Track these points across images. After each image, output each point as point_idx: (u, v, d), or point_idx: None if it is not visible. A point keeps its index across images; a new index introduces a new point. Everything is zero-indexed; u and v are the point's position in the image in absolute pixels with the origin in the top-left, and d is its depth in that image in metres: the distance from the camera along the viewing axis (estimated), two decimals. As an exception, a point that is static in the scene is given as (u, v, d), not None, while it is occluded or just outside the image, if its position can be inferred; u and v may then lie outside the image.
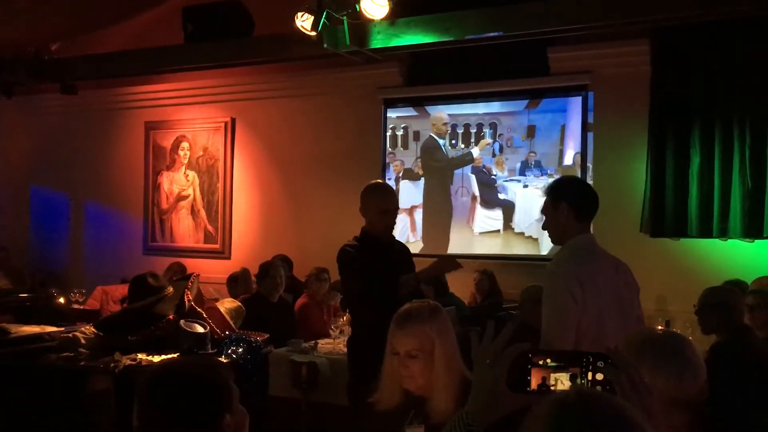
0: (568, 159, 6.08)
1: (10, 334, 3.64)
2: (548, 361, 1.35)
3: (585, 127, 6.01)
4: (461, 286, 5.67)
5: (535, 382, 1.34)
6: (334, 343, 5.08)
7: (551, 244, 6.04)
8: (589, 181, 5.96)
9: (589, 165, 5.99)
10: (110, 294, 6.87)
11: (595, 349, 1.47)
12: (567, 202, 2.73)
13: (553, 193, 2.83)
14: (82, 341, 3.51)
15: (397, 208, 3.66)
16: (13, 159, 8.58)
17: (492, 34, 5.04)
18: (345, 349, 4.92)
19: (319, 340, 5.07)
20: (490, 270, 5.86)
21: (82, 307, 6.47)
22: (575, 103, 6.05)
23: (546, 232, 2.90)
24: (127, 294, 6.70)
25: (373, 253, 3.42)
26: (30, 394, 3.40)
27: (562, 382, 1.34)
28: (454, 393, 2.27)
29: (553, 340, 2.59)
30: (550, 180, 6.09)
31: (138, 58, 6.57)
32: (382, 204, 3.50)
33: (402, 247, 3.78)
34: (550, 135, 6.14)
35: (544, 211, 2.85)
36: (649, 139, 5.60)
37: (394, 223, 3.56)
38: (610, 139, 5.91)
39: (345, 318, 5.34)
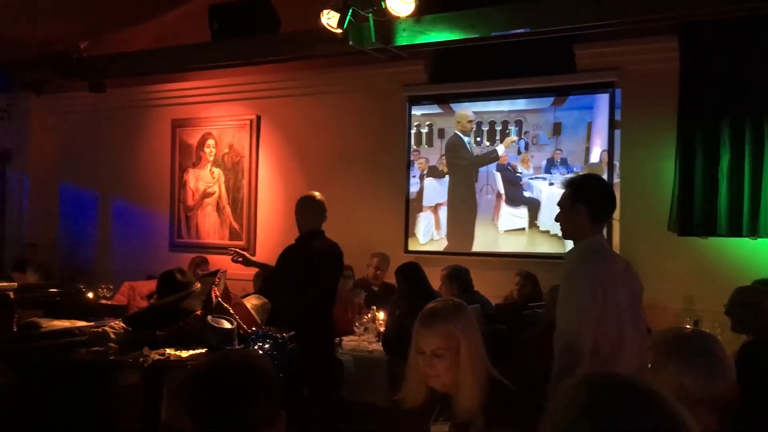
0: (595, 157, 6.02)
1: (41, 328, 3.70)
2: None
3: (612, 125, 5.94)
4: (487, 283, 5.64)
5: None
6: (359, 340, 5.11)
7: (577, 243, 6.02)
8: (616, 180, 5.92)
9: (616, 163, 5.92)
10: (137, 290, 6.96)
11: (614, 350, 1.45)
12: (585, 204, 2.76)
13: (573, 191, 2.84)
14: (112, 336, 3.56)
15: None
16: (42, 156, 8.71)
17: (518, 31, 5.01)
18: (369, 347, 4.96)
19: (343, 337, 5.09)
20: (531, 273, 5.64)
21: (109, 303, 6.56)
22: (602, 101, 5.99)
23: (559, 223, 2.92)
24: (153, 290, 6.82)
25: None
26: (60, 387, 3.46)
27: None
28: (480, 391, 2.26)
29: (574, 342, 2.59)
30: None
31: (165, 56, 6.64)
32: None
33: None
34: (576, 132, 6.09)
35: (561, 204, 2.87)
36: (678, 137, 5.53)
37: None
38: (637, 136, 5.84)
39: (369, 315, 5.36)
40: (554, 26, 5.04)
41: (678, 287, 5.50)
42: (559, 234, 6.12)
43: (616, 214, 5.91)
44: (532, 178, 6.25)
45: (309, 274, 4.14)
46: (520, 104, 6.32)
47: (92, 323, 3.91)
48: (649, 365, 1.87)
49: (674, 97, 5.56)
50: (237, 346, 3.59)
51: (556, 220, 2.91)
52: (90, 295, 6.07)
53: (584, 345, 2.59)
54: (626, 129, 5.91)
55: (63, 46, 7.06)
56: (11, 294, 4.15)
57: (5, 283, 4.56)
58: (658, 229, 5.64)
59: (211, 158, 7.78)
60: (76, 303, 4.84)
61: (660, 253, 5.67)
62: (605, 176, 5.93)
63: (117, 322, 3.78)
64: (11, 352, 3.51)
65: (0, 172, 8.59)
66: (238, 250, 4.72)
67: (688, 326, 4.44)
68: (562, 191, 5.95)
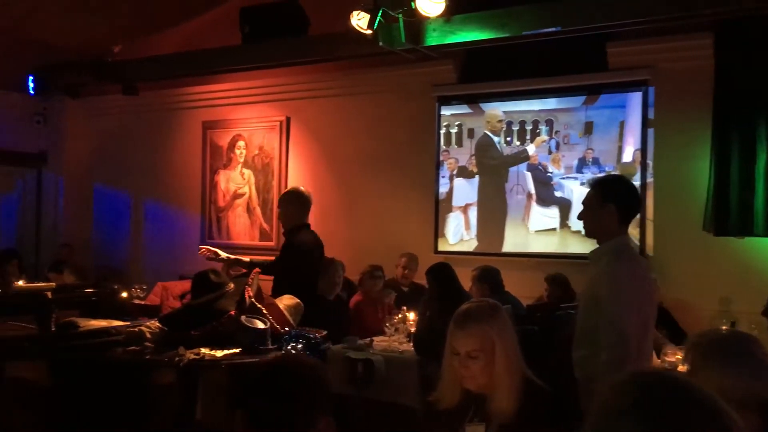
0: (628, 156, 5.95)
1: (78, 328, 3.76)
2: None
3: (645, 124, 5.87)
4: (517, 284, 5.60)
5: None
6: (390, 341, 5.10)
7: (609, 243, 5.95)
8: (649, 179, 5.84)
9: (649, 162, 5.85)
10: (170, 290, 7.04)
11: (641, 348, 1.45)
12: (616, 204, 2.81)
13: (602, 191, 2.87)
14: (148, 335, 3.61)
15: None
16: (77, 158, 8.87)
17: (549, 30, 4.98)
18: (400, 347, 4.96)
19: (374, 338, 5.10)
20: (561, 275, 5.55)
21: (143, 303, 6.65)
22: (635, 99, 5.92)
23: (583, 221, 2.95)
24: (186, 290, 6.89)
25: None
26: (97, 386, 3.51)
27: None
28: (516, 392, 2.25)
29: (624, 338, 2.63)
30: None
31: (197, 59, 6.72)
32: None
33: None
34: (608, 131, 6.02)
35: (587, 204, 2.90)
36: (713, 135, 5.44)
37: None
38: (671, 135, 5.76)
39: (399, 315, 5.35)
40: (586, 24, 4.99)
41: (714, 288, 5.42)
42: (592, 234, 6.07)
43: (650, 215, 5.85)
44: (563, 178, 6.20)
45: (311, 265, 4.43)
46: (551, 103, 6.27)
47: (128, 323, 3.97)
48: (688, 367, 1.85)
49: (709, 95, 5.47)
50: (270, 347, 3.62)
51: (580, 218, 2.95)
52: (124, 295, 6.16)
53: (633, 341, 2.65)
54: (660, 128, 5.84)
55: (97, 51, 7.19)
56: (49, 294, 4.24)
57: (43, 284, 4.66)
58: (692, 230, 5.56)
59: (242, 160, 7.85)
60: (112, 303, 4.92)
61: (695, 253, 5.59)
62: (638, 176, 5.88)
63: (152, 321, 3.83)
64: (50, 352, 3.57)
65: (36, 174, 8.75)
66: (209, 247, 4.93)
67: (723, 327, 4.38)
68: (585, 190, 5.95)
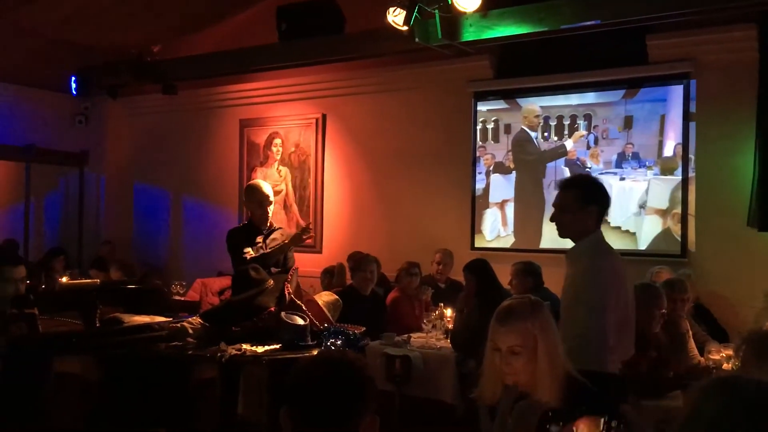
0: (669, 150, 5.85)
1: (123, 323, 3.84)
2: (565, 417, 1.38)
3: (687, 117, 5.76)
4: (555, 281, 5.54)
5: None
6: (427, 337, 5.10)
7: (650, 239, 5.87)
8: (691, 174, 5.74)
9: (691, 156, 5.74)
10: (209, 286, 7.15)
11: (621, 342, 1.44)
12: (598, 206, 2.87)
13: (583, 192, 2.89)
14: (190, 331, 3.67)
15: (270, 202, 4.36)
16: (118, 157, 9.04)
17: (589, 23, 4.91)
18: (437, 344, 4.96)
19: (411, 334, 5.10)
20: None
21: (182, 299, 6.76)
22: (676, 92, 5.81)
23: (557, 223, 2.94)
24: (224, 286, 6.98)
25: (246, 234, 4.28)
26: (141, 381, 3.58)
27: None
28: (558, 389, 2.23)
29: (592, 330, 2.68)
30: (644, 172, 5.90)
31: (235, 58, 6.79)
32: (254, 198, 4.33)
33: (272, 233, 4.40)
34: (648, 126, 5.93)
35: (565, 206, 2.89)
36: (757, 128, 5.32)
37: (266, 212, 4.33)
38: (714, 129, 5.65)
39: (437, 312, 5.35)
40: (626, 17, 4.92)
41: (758, 284, 5.29)
42: (632, 230, 6.01)
43: (692, 210, 5.74)
44: (602, 173, 6.11)
45: None
46: (590, 98, 6.19)
47: (170, 319, 4.04)
48: (738, 363, 1.82)
49: (753, 87, 5.35)
50: (310, 342, 3.64)
51: (553, 220, 2.94)
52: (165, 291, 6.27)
53: (612, 336, 2.73)
54: (702, 121, 5.72)
55: (137, 51, 7.30)
56: (93, 291, 4.34)
57: (88, 281, 4.77)
58: (736, 225, 5.45)
59: (278, 157, 7.91)
60: (154, 299, 5.01)
61: (738, 249, 5.48)
62: (679, 170, 5.78)
63: (194, 317, 3.89)
64: (96, 347, 3.65)
65: (78, 172, 8.94)
66: None
67: (770, 325, 4.28)
68: (634, 185, 5.88)
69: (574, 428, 1.37)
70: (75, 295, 4.41)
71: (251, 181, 4.81)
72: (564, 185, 2.98)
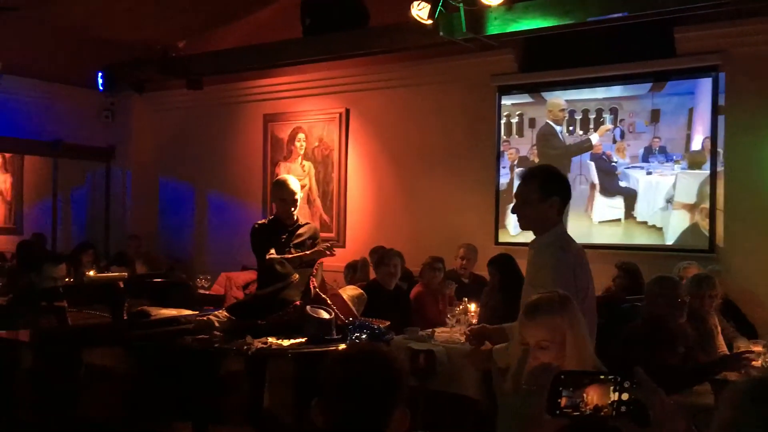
0: (697, 144, 5.77)
1: (150, 316, 3.89)
2: (577, 381, 1.37)
3: (715, 110, 5.68)
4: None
5: (564, 403, 1.36)
6: (451, 332, 5.09)
7: (677, 234, 5.80)
8: (720, 168, 5.66)
9: (720, 150, 5.66)
10: (233, 280, 7.20)
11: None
12: (559, 197, 2.81)
13: (544, 184, 2.83)
14: (216, 324, 3.70)
15: (294, 199, 4.25)
16: (143, 152, 9.12)
17: (616, 15, 4.86)
18: (462, 338, 4.95)
19: (435, 329, 5.09)
20: (633, 264, 5.30)
21: (207, 293, 6.82)
22: (704, 85, 5.73)
23: (519, 215, 2.90)
24: (249, 280, 7.03)
25: (270, 230, 4.22)
26: (168, 373, 3.62)
27: (590, 401, 1.36)
28: (587, 385, 2.22)
29: None
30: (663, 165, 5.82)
31: (259, 53, 6.81)
32: (279, 194, 4.25)
33: (299, 228, 4.30)
34: (676, 119, 5.85)
35: (526, 198, 2.84)
36: (788, 122, 5.23)
37: (290, 208, 4.22)
38: (743, 122, 5.56)
39: (461, 307, 5.33)
40: (654, 9, 4.85)
41: (789, 281, 5.22)
42: (659, 225, 5.94)
43: (720, 205, 5.67)
44: (628, 168, 6.05)
45: None
46: (616, 91, 6.12)
47: (197, 312, 4.08)
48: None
49: (784, 79, 5.26)
50: (335, 336, 3.66)
51: (515, 211, 2.90)
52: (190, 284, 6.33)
53: None
54: (731, 115, 5.64)
55: (162, 47, 7.36)
56: (121, 284, 4.39)
57: (116, 274, 4.83)
58: (765, 220, 5.37)
59: (302, 152, 7.94)
60: (180, 293, 5.06)
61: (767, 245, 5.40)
62: (708, 165, 5.70)
63: (221, 311, 3.92)
64: (125, 339, 3.70)
65: (105, 168, 9.03)
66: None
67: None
68: (661, 179, 5.80)
69: (585, 393, 1.37)
70: (103, 288, 4.46)
71: (279, 176, 4.76)
72: (525, 176, 2.93)
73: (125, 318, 4.02)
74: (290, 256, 4.01)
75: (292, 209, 4.21)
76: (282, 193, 4.21)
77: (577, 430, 1.45)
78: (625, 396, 1.35)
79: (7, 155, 9.79)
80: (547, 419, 1.40)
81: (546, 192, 2.80)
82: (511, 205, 2.93)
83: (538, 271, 2.78)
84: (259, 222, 4.52)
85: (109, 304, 4.21)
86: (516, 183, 6.58)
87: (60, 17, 6.79)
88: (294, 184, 4.28)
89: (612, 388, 1.36)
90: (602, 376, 1.38)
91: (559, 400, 1.38)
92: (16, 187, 9.83)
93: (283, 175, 4.58)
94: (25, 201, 9.76)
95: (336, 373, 1.55)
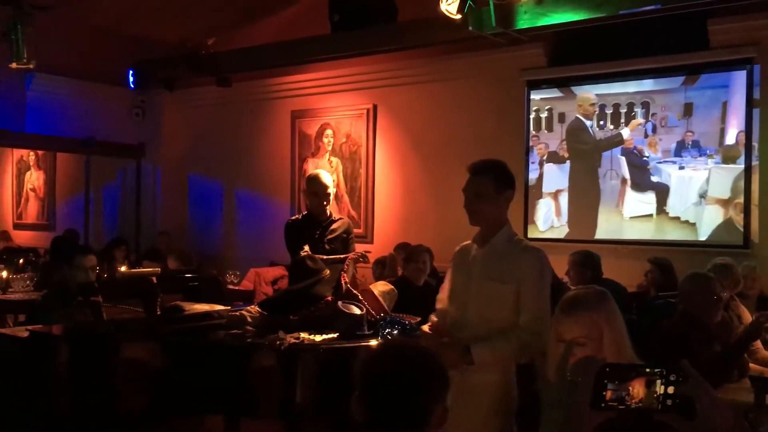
0: (731, 138, 5.68)
1: (183, 311, 3.93)
2: (623, 374, 1.36)
3: (750, 104, 5.58)
4: (611, 272, 5.45)
5: (609, 396, 1.34)
6: (481, 328, 5.07)
7: (711, 230, 5.72)
8: (755, 162, 5.57)
9: (755, 144, 5.56)
10: (262, 276, 7.24)
11: None
12: (512, 189, 2.78)
13: (500, 177, 2.76)
14: (249, 319, 3.73)
15: (326, 193, 4.19)
16: (173, 149, 9.21)
17: (648, 8, 4.78)
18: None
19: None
20: (666, 260, 5.23)
21: (237, 288, 6.87)
22: (739, 78, 5.63)
23: (473, 210, 2.78)
24: (278, 276, 7.07)
25: (303, 226, 4.21)
26: (202, 368, 3.65)
27: (635, 395, 1.34)
28: (624, 382, 2.20)
29: (547, 323, 2.57)
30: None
31: (288, 50, 6.84)
32: (311, 188, 4.21)
33: (331, 224, 4.24)
34: (709, 113, 5.76)
35: (482, 193, 2.73)
36: (827, 115, 5.12)
37: (322, 202, 4.17)
38: (779, 115, 5.45)
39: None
40: (687, 1, 4.77)
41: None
42: (692, 220, 5.85)
43: (755, 200, 5.57)
44: (660, 162, 5.98)
45: None
46: (647, 85, 6.05)
47: (229, 307, 4.11)
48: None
49: (822, 71, 5.15)
50: (367, 332, 3.66)
51: (470, 207, 2.77)
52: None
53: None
54: (766, 108, 5.54)
55: (193, 44, 7.42)
56: (154, 279, 4.44)
57: (149, 269, 4.89)
58: (802, 215, 5.26)
59: (329, 148, 7.96)
60: (211, 288, 5.11)
61: (805, 240, 5.29)
62: (742, 159, 5.60)
63: (252, 306, 3.95)
64: (159, 334, 3.74)
65: (136, 164, 9.15)
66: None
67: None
68: (694, 174, 5.70)
69: (631, 387, 1.36)
70: (137, 283, 4.52)
71: (311, 171, 4.71)
72: (479, 170, 2.78)
73: (159, 313, 4.07)
74: (323, 257, 3.96)
75: (325, 203, 4.16)
76: (314, 187, 4.17)
77: (622, 423, 1.43)
78: (671, 389, 1.34)
79: (40, 153, 9.97)
80: (591, 412, 1.39)
81: (502, 186, 2.74)
82: (466, 202, 2.78)
83: (498, 269, 2.70)
84: (292, 218, 4.49)
85: (142, 299, 4.26)
86: (545, 178, 6.54)
87: (92, 16, 6.88)
88: (326, 178, 4.22)
89: (658, 381, 1.34)
90: (648, 369, 1.37)
91: (604, 393, 1.36)
92: (49, 184, 10.01)
93: (315, 170, 4.53)
94: (57, 198, 9.93)
95: (378, 368, 1.55)
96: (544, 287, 2.69)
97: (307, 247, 3.99)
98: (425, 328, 2.94)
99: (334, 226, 4.22)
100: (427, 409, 1.52)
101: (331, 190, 4.23)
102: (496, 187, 2.72)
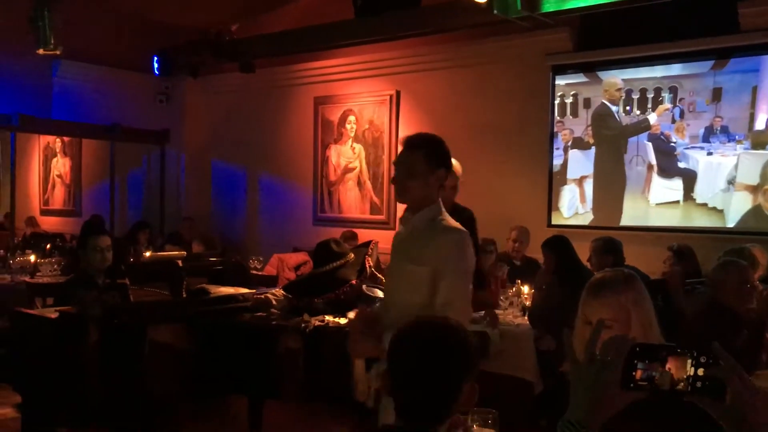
0: (760, 123, 5.58)
1: (209, 293, 3.97)
2: (654, 353, 1.34)
3: (781, 88, 5.48)
4: (636, 259, 5.39)
5: (639, 375, 1.32)
6: (504, 314, 5.06)
7: (739, 216, 5.64)
8: (784, 148, 5.46)
9: (786, 129, 5.46)
10: (285, 261, 7.28)
11: None
12: (446, 169, 2.61)
13: (433, 154, 2.59)
14: (273, 302, 3.76)
15: (454, 186, 3.92)
16: (197, 135, 9.27)
17: (677, -10, 4.70)
18: (515, 321, 4.92)
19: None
20: (688, 247, 5.13)
21: (260, 273, 6.92)
22: (770, 62, 5.53)
23: (401, 188, 2.62)
24: (300, 261, 7.10)
25: None
26: (229, 349, 3.69)
27: (665, 376, 1.32)
28: (653, 365, 2.18)
29: (464, 307, 2.50)
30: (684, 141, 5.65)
31: (311, 35, 6.83)
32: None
33: (468, 216, 4.06)
34: (739, 98, 5.66)
35: (413, 170, 2.57)
36: None
37: (453, 195, 3.95)
38: (811, 100, 5.35)
39: (514, 289, 5.30)
40: (718, -17, 4.68)
41: None
42: (719, 207, 5.78)
43: (784, 186, 5.47)
44: (687, 148, 5.89)
45: None
46: (675, 69, 5.95)
47: (254, 290, 4.15)
48: None
49: None
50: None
51: (397, 182, 2.62)
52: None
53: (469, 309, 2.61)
54: (797, 92, 5.43)
55: (216, 30, 7.44)
56: (180, 262, 4.48)
57: (175, 252, 4.94)
58: (834, 202, 5.16)
59: (352, 134, 7.95)
60: (235, 273, 5.15)
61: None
62: (772, 144, 5.50)
63: (277, 289, 3.98)
64: (186, 316, 3.79)
65: (160, 150, 9.22)
66: None
67: None
68: (722, 160, 5.62)
69: (661, 367, 1.34)
70: (162, 266, 4.57)
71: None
72: (412, 145, 2.63)
73: (185, 296, 4.11)
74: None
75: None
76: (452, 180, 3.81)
77: (652, 404, 1.42)
78: (701, 371, 1.32)
79: (66, 139, 10.09)
80: (620, 392, 1.38)
81: (435, 163, 2.58)
82: (392, 179, 2.64)
83: (420, 252, 2.55)
84: None
85: (168, 282, 4.30)
86: (570, 164, 6.49)
87: (117, 2, 6.93)
88: (459, 166, 3.93)
89: (689, 362, 1.33)
90: (679, 350, 1.35)
91: (633, 373, 1.35)
92: (75, 170, 10.13)
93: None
94: (83, 184, 10.05)
95: (407, 344, 1.55)
96: (459, 270, 2.53)
97: None
98: (351, 314, 2.82)
99: (467, 215, 4.04)
100: (457, 386, 1.52)
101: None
102: (428, 164, 2.56)
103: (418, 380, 1.51)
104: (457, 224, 2.61)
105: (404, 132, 7.54)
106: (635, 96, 6.15)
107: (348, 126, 7.98)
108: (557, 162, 6.56)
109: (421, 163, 2.56)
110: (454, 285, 2.48)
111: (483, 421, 2.05)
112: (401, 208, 8.31)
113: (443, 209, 2.62)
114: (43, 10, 6.08)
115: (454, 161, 4.05)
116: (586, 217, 6.42)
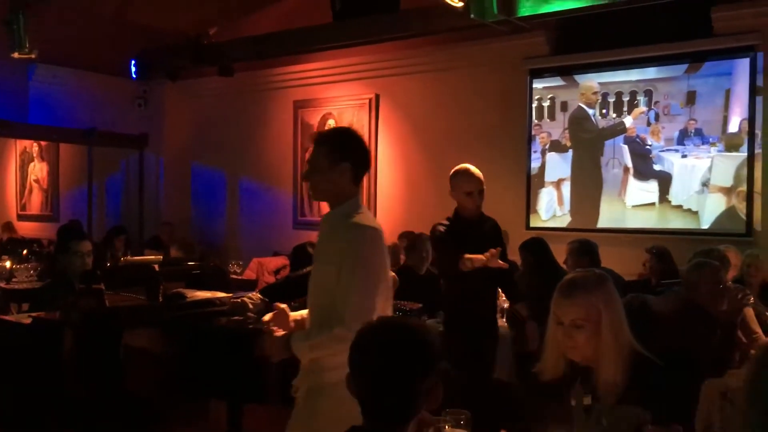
0: (734, 126, 5.66)
1: (186, 298, 3.94)
2: None
3: (753, 92, 5.56)
4: (613, 260, 5.44)
5: None
6: (483, 316, 5.07)
7: (713, 218, 5.71)
8: (758, 150, 5.55)
9: (758, 132, 5.55)
10: (265, 265, 7.27)
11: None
12: (351, 163, 2.49)
13: (334, 147, 2.51)
14: (250, 306, 3.74)
15: (482, 190, 3.93)
16: (176, 139, 9.22)
17: (651, -5, 4.77)
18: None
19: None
20: (664, 248, 5.24)
21: (239, 278, 6.89)
22: (742, 66, 5.61)
23: (310, 185, 2.58)
24: (280, 265, 7.08)
25: (462, 231, 3.89)
26: (205, 354, 3.68)
27: None
28: (623, 364, 2.20)
29: (362, 303, 2.35)
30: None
31: (290, 39, 6.84)
32: (466, 187, 3.91)
33: (492, 225, 4.09)
34: (712, 101, 5.74)
35: (315, 165, 2.52)
36: (830, 102, 5.10)
37: (479, 203, 3.92)
38: (782, 103, 5.44)
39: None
40: (690, -12, 4.75)
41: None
42: (694, 208, 5.84)
43: (758, 188, 5.56)
44: (662, 151, 5.97)
45: None
46: (650, 73, 6.03)
47: (231, 294, 4.13)
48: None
49: (826, 59, 5.12)
50: (368, 318, 3.67)
51: (306, 179, 2.58)
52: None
53: (372, 310, 2.40)
54: (769, 96, 5.52)
55: (194, 34, 7.42)
56: (156, 267, 4.45)
57: (151, 257, 4.90)
58: (805, 203, 5.25)
59: (332, 138, 7.94)
60: (214, 277, 5.11)
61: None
62: (745, 147, 5.59)
63: (254, 293, 3.96)
64: (162, 321, 3.76)
65: (138, 155, 9.16)
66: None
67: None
68: (696, 162, 5.70)
69: None
70: (139, 271, 4.53)
71: (458, 166, 4.10)
72: (316, 141, 2.57)
73: (161, 300, 4.08)
74: None
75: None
76: (468, 185, 3.84)
77: None
78: None
79: (43, 144, 9.99)
80: None
81: (336, 158, 2.47)
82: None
83: (335, 251, 2.45)
84: (441, 223, 4.06)
85: (144, 286, 4.27)
86: (548, 167, 6.54)
87: (93, 5, 6.89)
88: (478, 171, 3.85)
89: None
90: None
91: None
92: (53, 175, 10.03)
93: (463, 164, 3.99)
94: (61, 189, 9.95)
95: (367, 346, 1.56)
96: (361, 269, 2.39)
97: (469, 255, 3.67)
98: (266, 317, 2.68)
99: (491, 224, 3.97)
100: (417, 382, 1.53)
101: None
102: (331, 158, 2.47)
103: (378, 381, 1.52)
104: (372, 222, 2.51)
105: (384, 135, 7.59)
106: (611, 99, 6.22)
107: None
108: (535, 165, 6.61)
109: (322, 158, 2.49)
110: (351, 280, 2.37)
111: (455, 421, 2.05)
112: (382, 211, 8.24)
113: (362, 206, 2.55)
114: (18, 13, 6.03)
115: (471, 167, 3.99)
116: (563, 220, 6.48)
